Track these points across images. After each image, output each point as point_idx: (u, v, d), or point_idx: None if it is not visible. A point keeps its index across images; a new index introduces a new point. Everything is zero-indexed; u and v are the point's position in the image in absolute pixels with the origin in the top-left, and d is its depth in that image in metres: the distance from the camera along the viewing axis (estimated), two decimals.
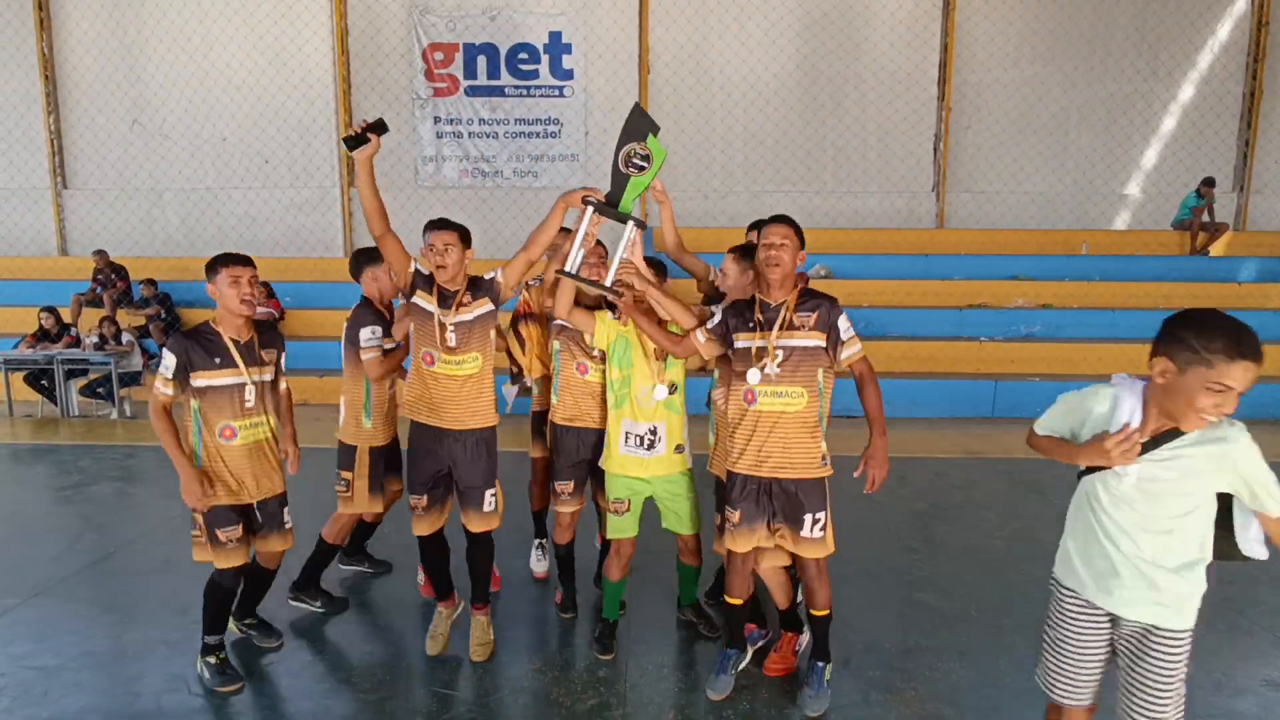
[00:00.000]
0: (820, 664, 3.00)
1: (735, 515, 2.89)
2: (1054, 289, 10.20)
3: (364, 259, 3.69)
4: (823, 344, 2.80)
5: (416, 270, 3.11)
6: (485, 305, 3.12)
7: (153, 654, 3.32)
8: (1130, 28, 11.62)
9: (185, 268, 11.20)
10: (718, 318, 2.95)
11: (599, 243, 3.26)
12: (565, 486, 3.49)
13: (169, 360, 2.94)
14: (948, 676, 3.16)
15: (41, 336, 8.62)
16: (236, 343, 3.01)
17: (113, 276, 9.99)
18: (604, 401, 3.35)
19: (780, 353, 2.78)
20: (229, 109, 11.69)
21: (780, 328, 2.79)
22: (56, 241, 12.09)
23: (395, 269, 3.09)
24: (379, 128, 2.86)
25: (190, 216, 12.00)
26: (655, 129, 2.64)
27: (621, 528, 3.28)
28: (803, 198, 11.76)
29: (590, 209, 2.77)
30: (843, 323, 2.82)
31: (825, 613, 2.96)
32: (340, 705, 2.95)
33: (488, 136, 11.82)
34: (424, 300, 3.09)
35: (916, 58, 11.66)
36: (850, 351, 2.84)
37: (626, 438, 3.19)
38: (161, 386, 2.95)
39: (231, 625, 3.37)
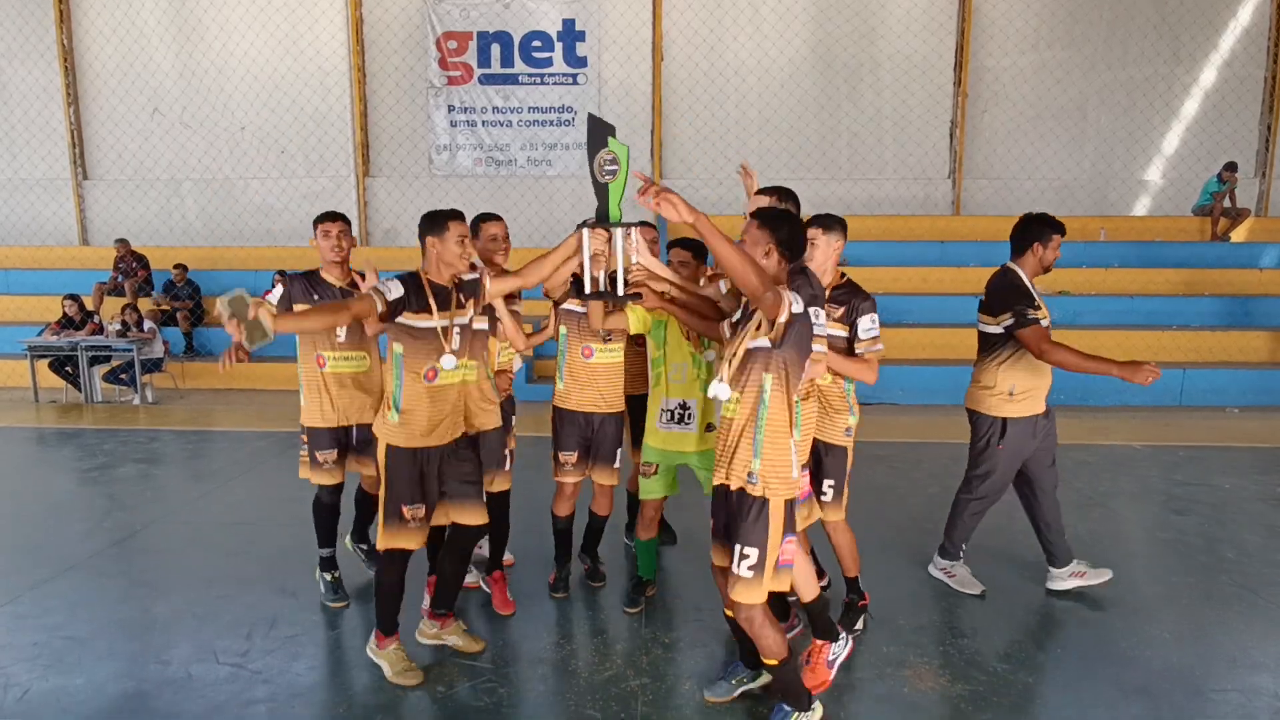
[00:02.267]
0: (786, 706, 2.66)
1: (712, 523, 2.67)
2: (1070, 276, 10.11)
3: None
4: (767, 344, 2.44)
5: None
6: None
7: (181, 625, 3.40)
8: (1150, 10, 11.45)
9: (204, 257, 11.34)
10: (739, 315, 2.68)
11: (649, 224, 3.44)
12: (569, 457, 3.59)
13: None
14: (960, 652, 3.19)
15: (65, 324, 8.76)
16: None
17: (134, 265, 10.13)
18: (612, 382, 3.51)
19: (742, 354, 2.50)
20: (245, 99, 11.78)
21: (754, 329, 2.48)
22: (78, 231, 12.26)
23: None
24: (240, 305, 2.51)
25: (208, 206, 12.13)
26: (612, 130, 2.70)
27: (648, 489, 3.44)
28: (818, 184, 11.68)
29: (585, 230, 2.81)
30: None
31: (774, 662, 2.59)
32: (360, 676, 3.02)
33: (501, 125, 11.85)
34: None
35: (933, 41, 11.55)
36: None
37: (661, 415, 3.34)
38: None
39: (348, 544, 3.87)
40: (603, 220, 2.76)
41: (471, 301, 3.06)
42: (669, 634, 3.38)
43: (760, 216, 2.53)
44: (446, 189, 11.67)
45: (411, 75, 11.73)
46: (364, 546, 4.00)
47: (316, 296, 3.57)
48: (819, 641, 2.95)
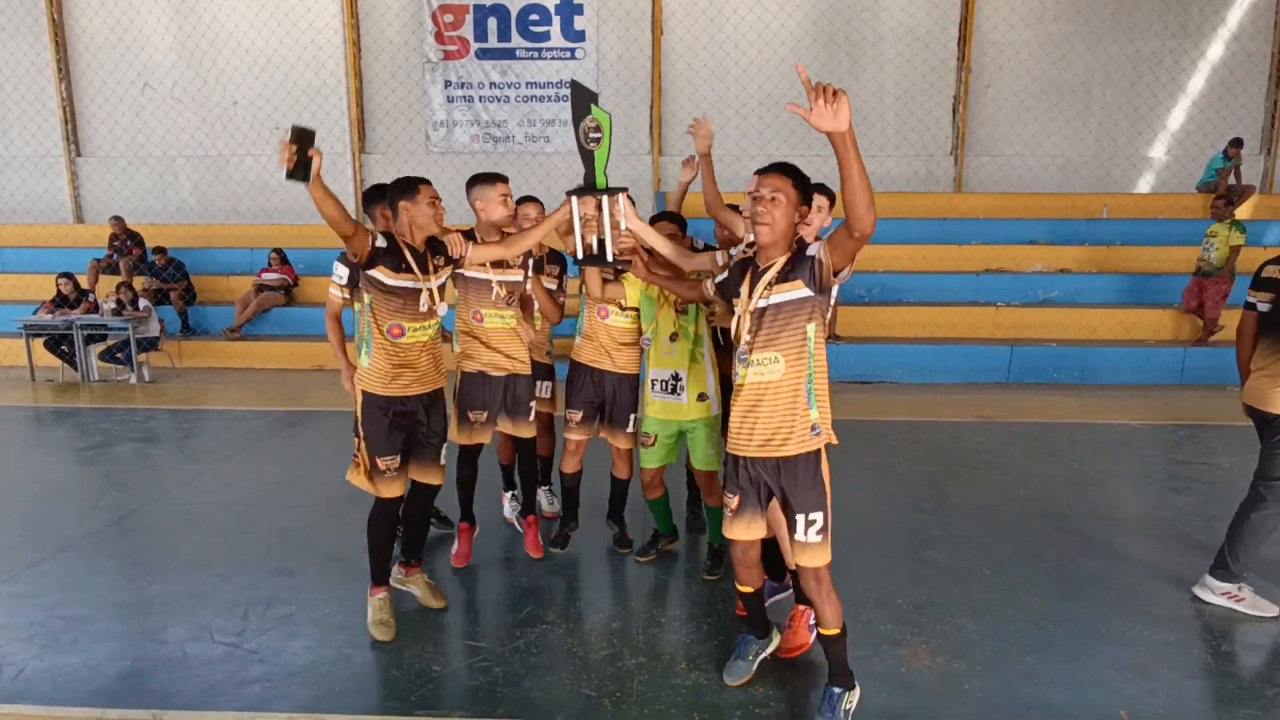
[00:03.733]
0: (836, 690, 2.61)
1: (733, 501, 2.62)
2: (1073, 254, 10.05)
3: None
4: (809, 293, 2.39)
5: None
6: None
7: (177, 605, 3.39)
8: None
9: (198, 235, 11.26)
10: (724, 275, 2.69)
11: (673, 216, 3.54)
12: (575, 415, 3.75)
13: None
14: (958, 631, 3.19)
15: (60, 302, 8.70)
16: None
17: (128, 243, 10.05)
18: (624, 345, 3.70)
19: (754, 319, 2.46)
20: (238, 73, 11.61)
21: (764, 288, 2.45)
22: (72, 209, 12.15)
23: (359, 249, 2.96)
24: (307, 139, 2.56)
25: (202, 183, 12.01)
26: (594, 98, 2.78)
27: (647, 459, 3.60)
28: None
29: (573, 198, 2.92)
30: (813, 245, 2.41)
31: (835, 631, 2.57)
32: (356, 654, 3.02)
33: (499, 100, 11.69)
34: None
35: (937, 14, 11.37)
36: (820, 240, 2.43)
37: (653, 384, 3.50)
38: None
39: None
40: (590, 188, 2.87)
41: (442, 261, 3.20)
42: (664, 613, 3.38)
43: (791, 174, 2.44)
44: (443, 166, 11.50)
45: (407, 49, 11.55)
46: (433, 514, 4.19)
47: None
48: (800, 606, 3.04)
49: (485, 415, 3.62)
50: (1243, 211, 10.94)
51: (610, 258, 2.94)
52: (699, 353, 3.44)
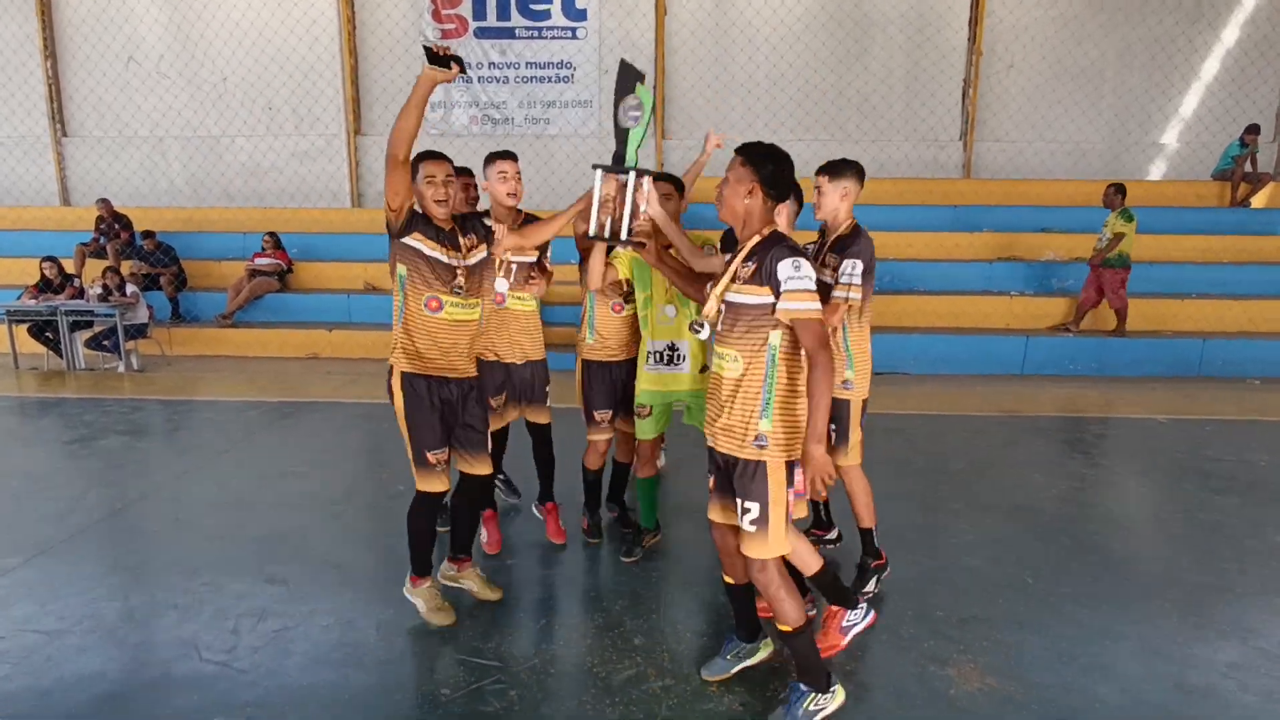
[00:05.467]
0: (803, 687, 2.50)
1: (710, 480, 2.60)
2: (1088, 242, 9.78)
3: None
4: (765, 300, 2.31)
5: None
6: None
7: (161, 619, 3.14)
8: None
9: (189, 219, 10.92)
10: (725, 279, 2.66)
11: (673, 178, 3.43)
12: (605, 415, 3.71)
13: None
14: (1009, 649, 2.95)
15: (44, 287, 8.39)
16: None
17: (115, 226, 9.71)
18: (637, 330, 3.59)
19: (722, 308, 2.47)
20: (228, 50, 11.24)
21: (730, 280, 2.43)
22: (58, 191, 11.78)
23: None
24: (460, 62, 2.62)
25: (192, 165, 11.65)
26: (641, 78, 2.79)
27: (644, 430, 3.55)
28: (825, 145, 11.21)
29: (599, 172, 2.83)
30: (784, 269, 2.27)
31: (790, 628, 2.45)
32: (358, 676, 2.77)
33: (498, 81, 11.35)
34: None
35: None
36: (790, 306, 2.27)
37: (649, 357, 3.43)
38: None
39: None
40: (618, 164, 2.79)
41: (474, 239, 3.02)
42: (691, 624, 3.14)
43: (744, 152, 2.44)
44: (442, 148, 10.78)
45: (404, 26, 11.19)
46: (501, 476, 4.20)
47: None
48: (834, 607, 2.89)
49: (503, 398, 3.67)
50: (1259, 199, 10.75)
51: (624, 235, 2.83)
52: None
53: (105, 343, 8.03)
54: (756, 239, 2.41)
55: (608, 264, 3.35)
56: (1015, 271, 9.40)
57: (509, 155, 3.51)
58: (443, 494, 3.04)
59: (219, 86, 11.39)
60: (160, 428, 6.08)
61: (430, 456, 2.95)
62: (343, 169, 11.57)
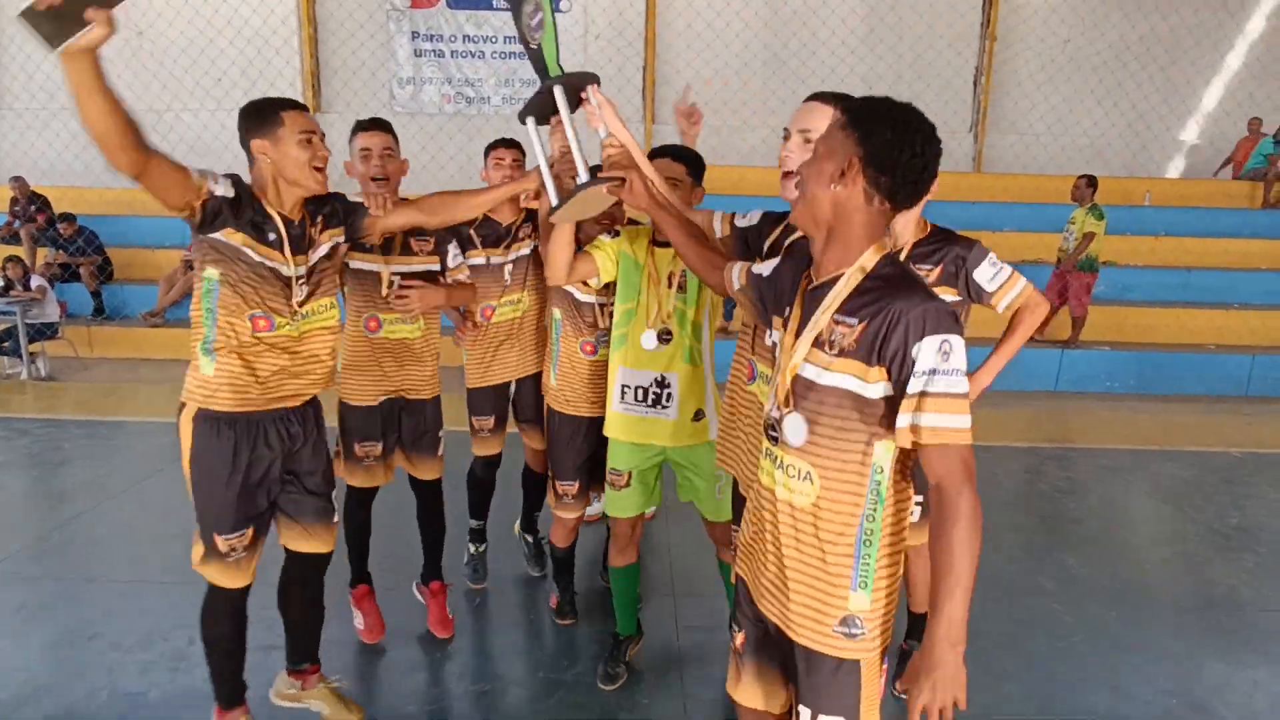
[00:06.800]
0: None
1: (738, 637, 1.64)
2: (1114, 244, 9.02)
3: None
4: (876, 391, 1.34)
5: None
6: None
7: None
8: None
9: (122, 200, 9.78)
10: (764, 268, 1.69)
11: (677, 150, 2.39)
12: (569, 488, 2.80)
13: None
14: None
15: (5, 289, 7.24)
16: None
17: (31, 209, 8.56)
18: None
19: (790, 384, 1.45)
20: (170, 12, 10.08)
21: (809, 342, 1.42)
22: None
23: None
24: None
25: None
26: None
27: (619, 505, 2.57)
28: None
29: (529, 121, 2.02)
30: (927, 352, 1.28)
31: None
32: None
33: (473, 57, 10.42)
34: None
35: None
36: (930, 421, 1.28)
37: (623, 391, 2.45)
38: None
39: (516, 529, 3.51)
40: (546, 94, 1.91)
41: (329, 235, 2.18)
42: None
43: (847, 107, 1.45)
44: (411, 128, 10.17)
45: None
46: (529, 538, 3.44)
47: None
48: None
49: (379, 449, 2.71)
50: None
51: (584, 176, 1.91)
52: (697, 351, 2.41)
53: (4, 344, 6.90)
54: (859, 274, 1.39)
55: (583, 253, 2.39)
56: (1036, 275, 8.56)
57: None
58: (246, 589, 2.16)
59: (162, 59, 10.24)
60: (68, 452, 5.00)
61: (220, 543, 2.08)
62: None
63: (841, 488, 1.38)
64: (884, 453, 1.36)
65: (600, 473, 2.69)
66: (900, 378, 1.30)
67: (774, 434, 1.46)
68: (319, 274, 2.11)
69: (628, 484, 2.53)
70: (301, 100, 10.22)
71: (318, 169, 2.01)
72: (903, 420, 1.29)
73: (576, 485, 2.78)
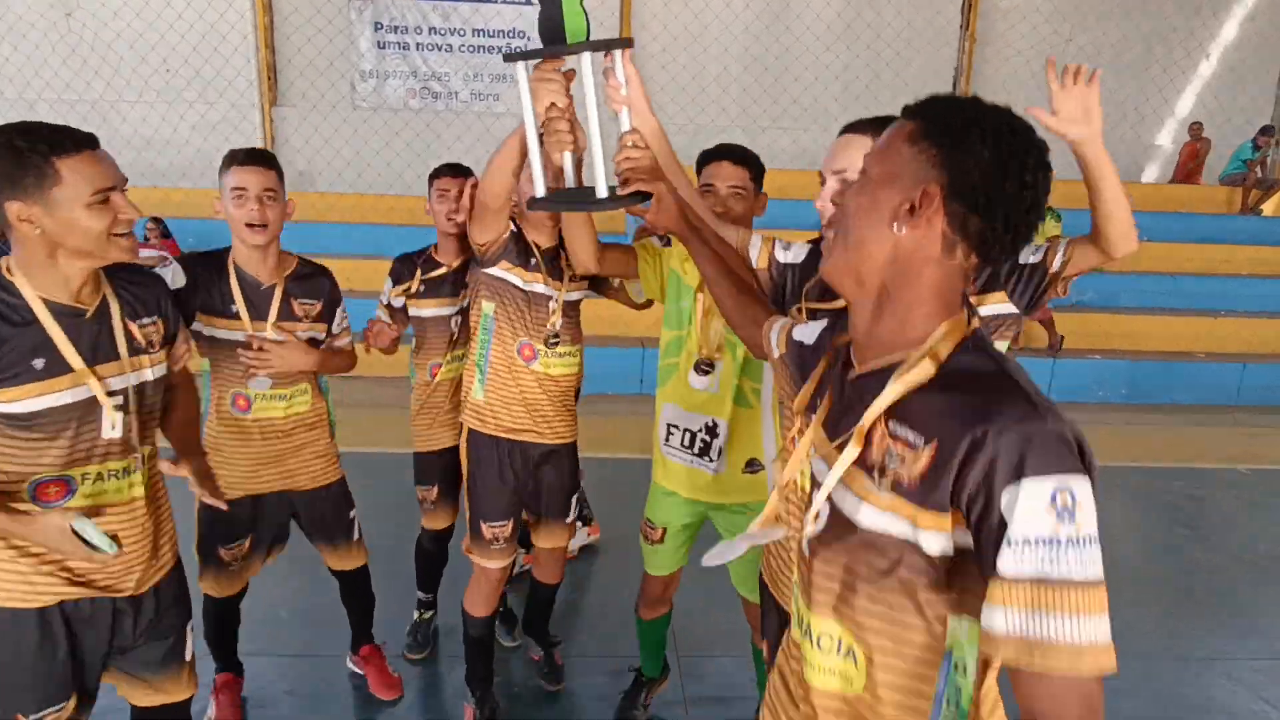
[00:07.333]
0: None
1: None
2: None
3: None
4: (937, 543, 0.90)
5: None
6: None
7: None
8: None
9: None
10: (807, 332, 1.25)
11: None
12: (499, 529, 2.30)
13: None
14: None
15: None
16: None
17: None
18: (561, 401, 2.31)
19: (826, 510, 1.02)
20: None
21: (844, 458, 0.99)
22: None
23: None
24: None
25: None
26: None
27: (654, 562, 2.26)
28: (805, 135, 10.32)
29: (519, 67, 1.43)
30: (1029, 514, 0.81)
31: None
32: None
33: (440, 49, 9.98)
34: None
35: None
36: (1021, 629, 0.81)
37: (669, 432, 2.11)
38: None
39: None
40: (555, 39, 1.35)
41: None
42: None
43: (921, 113, 0.97)
44: (373, 124, 9.73)
45: None
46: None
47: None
48: None
49: (247, 546, 2.34)
50: (1270, 206, 10.13)
51: (605, 191, 1.40)
52: (752, 391, 2.01)
53: None
54: (929, 366, 0.93)
55: (624, 247, 2.04)
56: None
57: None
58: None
59: (102, 48, 9.59)
60: None
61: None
62: (255, 144, 9.90)
63: (895, 663, 0.94)
64: (964, 635, 0.89)
65: (538, 506, 2.38)
66: (988, 543, 0.83)
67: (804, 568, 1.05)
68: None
69: (661, 539, 2.20)
70: (257, 92, 9.65)
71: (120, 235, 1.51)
72: (986, 619, 0.83)
73: (509, 525, 2.30)
